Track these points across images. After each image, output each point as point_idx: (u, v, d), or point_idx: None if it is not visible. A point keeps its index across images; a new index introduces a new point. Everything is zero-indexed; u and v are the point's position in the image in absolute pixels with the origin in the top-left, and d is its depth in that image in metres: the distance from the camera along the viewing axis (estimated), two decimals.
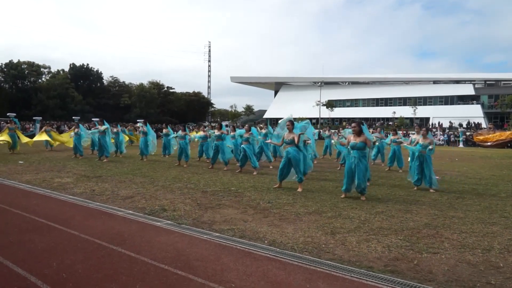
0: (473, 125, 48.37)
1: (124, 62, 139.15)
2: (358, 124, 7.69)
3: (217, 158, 12.63)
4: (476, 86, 61.51)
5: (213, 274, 3.53)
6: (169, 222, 5.47)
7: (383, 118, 60.47)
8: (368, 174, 7.93)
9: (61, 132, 31.36)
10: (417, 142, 9.15)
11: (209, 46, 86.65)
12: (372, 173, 10.26)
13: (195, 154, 15.62)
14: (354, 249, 4.36)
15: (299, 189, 8.32)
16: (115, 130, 16.80)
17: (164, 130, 17.06)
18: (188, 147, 13.63)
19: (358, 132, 7.58)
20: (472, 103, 58.26)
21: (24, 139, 18.34)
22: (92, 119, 28.46)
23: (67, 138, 18.91)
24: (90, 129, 17.94)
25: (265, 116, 70.02)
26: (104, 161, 14.16)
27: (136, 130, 25.62)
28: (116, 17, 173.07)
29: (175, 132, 16.50)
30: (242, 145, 11.74)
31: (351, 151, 7.59)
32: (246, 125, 12.75)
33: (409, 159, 9.67)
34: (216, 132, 12.69)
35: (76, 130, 15.96)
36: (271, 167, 13.05)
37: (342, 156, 12.80)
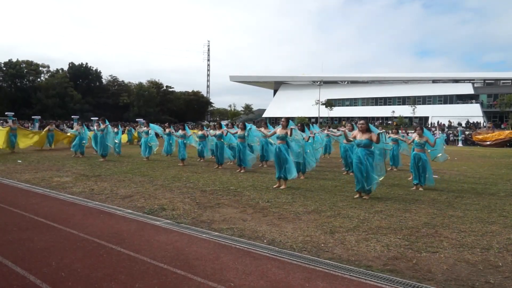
0: (472, 124, 48.41)
1: (123, 61, 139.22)
2: (366, 122, 7.64)
3: (224, 157, 12.64)
4: (475, 85, 61.53)
5: (212, 273, 3.54)
6: (168, 221, 5.47)
7: (382, 117, 60.51)
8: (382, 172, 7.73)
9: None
10: (413, 140, 9.20)
11: (208, 45, 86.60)
12: None
13: (195, 153, 15.61)
14: (353, 248, 4.37)
15: (283, 186, 8.48)
16: (115, 130, 16.81)
17: (166, 130, 17.02)
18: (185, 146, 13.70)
19: (365, 130, 7.51)
20: (471, 102, 58.30)
21: (22, 144, 17.67)
22: (92, 118, 28.44)
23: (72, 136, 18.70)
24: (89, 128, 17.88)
25: (264, 115, 69.99)
26: (101, 160, 14.13)
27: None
28: (115, 16, 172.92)
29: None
30: (238, 143, 11.75)
31: (357, 149, 7.57)
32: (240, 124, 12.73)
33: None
34: (217, 132, 12.71)
35: (79, 128, 15.99)
36: (265, 165, 13.10)
37: (344, 163, 12.02)
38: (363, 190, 7.48)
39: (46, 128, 19.82)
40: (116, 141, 16.48)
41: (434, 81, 66.20)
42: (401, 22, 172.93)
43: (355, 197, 7.49)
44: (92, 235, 4.67)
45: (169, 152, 16.55)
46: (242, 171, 11.47)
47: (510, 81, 61.44)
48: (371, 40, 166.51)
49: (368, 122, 7.69)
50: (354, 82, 72.12)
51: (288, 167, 8.46)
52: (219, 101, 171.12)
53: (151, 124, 16.45)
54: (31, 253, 3.99)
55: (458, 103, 58.90)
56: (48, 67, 60.10)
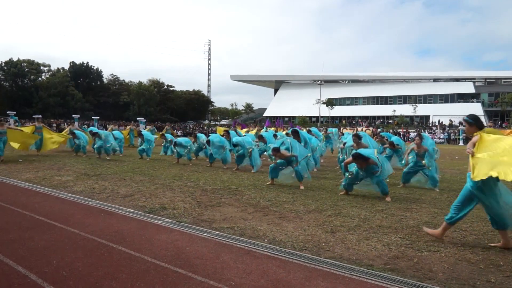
0: None
1: (124, 60, 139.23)
2: (358, 156, 7.20)
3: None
4: (476, 84, 61.48)
5: (213, 272, 3.54)
6: (169, 220, 5.47)
7: (383, 117, 60.50)
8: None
9: (61, 130, 31.22)
10: (412, 150, 8.87)
11: (209, 44, 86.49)
12: None
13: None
14: (354, 248, 4.37)
15: (302, 187, 8.44)
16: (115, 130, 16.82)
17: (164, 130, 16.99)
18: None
19: (362, 163, 7.23)
20: (472, 101, 58.25)
21: (50, 143, 16.16)
22: (92, 117, 28.51)
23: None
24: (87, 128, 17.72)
25: (265, 114, 70.02)
26: (96, 157, 14.15)
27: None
28: (116, 16, 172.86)
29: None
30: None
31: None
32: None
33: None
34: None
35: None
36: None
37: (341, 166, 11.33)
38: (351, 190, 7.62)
39: (67, 129, 18.52)
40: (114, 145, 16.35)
41: (435, 80, 66.14)
42: (402, 21, 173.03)
43: (340, 194, 7.63)
44: (93, 234, 4.67)
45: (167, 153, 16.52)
46: (235, 169, 11.45)
47: (511, 80, 61.33)
48: (372, 39, 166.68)
49: (360, 156, 7.19)
50: (355, 81, 72.08)
51: (298, 171, 8.51)
52: (220, 100, 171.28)
53: (144, 133, 16.23)
54: (32, 252, 3.99)
55: (459, 102, 58.87)
56: (49, 66, 60.25)
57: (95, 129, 16.01)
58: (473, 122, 4.83)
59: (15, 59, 55.33)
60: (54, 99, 53.34)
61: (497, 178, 4.20)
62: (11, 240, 4.40)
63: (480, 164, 4.24)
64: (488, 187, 4.33)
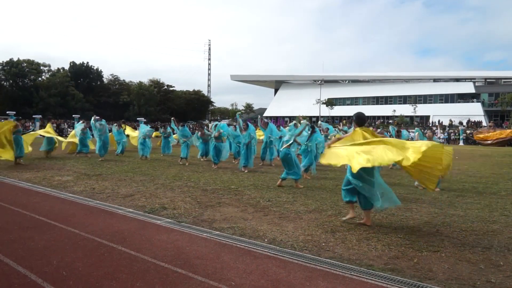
0: (473, 123, 48.35)
1: (124, 60, 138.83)
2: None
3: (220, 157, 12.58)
4: (476, 84, 61.40)
5: (213, 272, 3.54)
6: (169, 220, 5.47)
7: (383, 117, 60.44)
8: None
9: (61, 130, 31.23)
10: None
11: (209, 44, 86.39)
12: None
13: (194, 153, 15.63)
14: (354, 248, 4.37)
15: (301, 186, 8.46)
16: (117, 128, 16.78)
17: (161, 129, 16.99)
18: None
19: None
20: (473, 101, 58.19)
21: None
22: (92, 117, 28.55)
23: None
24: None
25: (265, 114, 70.02)
26: (100, 160, 14.12)
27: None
28: (116, 15, 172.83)
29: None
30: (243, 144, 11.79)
31: None
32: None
33: None
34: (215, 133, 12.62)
35: (84, 127, 15.86)
36: (269, 164, 13.08)
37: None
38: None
39: (75, 130, 18.28)
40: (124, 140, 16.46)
41: (435, 80, 66.09)
42: (402, 21, 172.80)
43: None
44: (93, 234, 4.67)
45: (167, 152, 16.53)
46: (245, 170, 11.44)
47: (511, 80, 61.32)
48: (372, 39, 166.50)
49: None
50: (355, 81, 72.06)
51: (294, 170, 8.47)
52: (220, 100, 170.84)
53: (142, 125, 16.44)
54: (32, 252, 3.99)
55: (459, 102, 58.81)
56: (49, 66, 60.19)
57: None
58: (355, 119, 5.68)
59: (15, 59, 55.31)
60: (54, 99, 53.32)
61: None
62: (11, 240, 4.40)
63: (329, 155, 5.39)
64: (366, 172, 5.08)
